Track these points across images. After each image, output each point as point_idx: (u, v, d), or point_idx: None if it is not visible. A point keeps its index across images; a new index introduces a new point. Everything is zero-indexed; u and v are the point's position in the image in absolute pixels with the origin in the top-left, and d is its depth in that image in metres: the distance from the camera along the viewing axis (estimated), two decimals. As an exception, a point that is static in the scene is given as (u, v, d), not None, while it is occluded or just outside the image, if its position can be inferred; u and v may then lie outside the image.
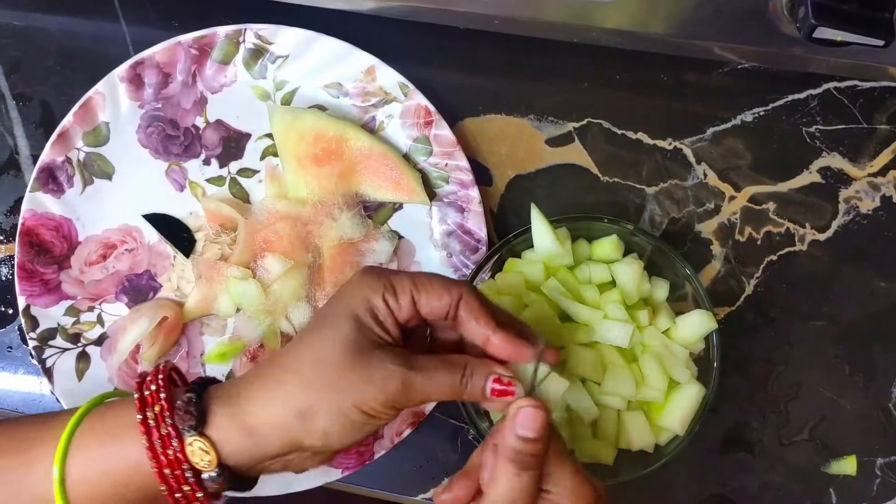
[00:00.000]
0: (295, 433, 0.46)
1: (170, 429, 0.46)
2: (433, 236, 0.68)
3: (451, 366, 0.48)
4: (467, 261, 0.66)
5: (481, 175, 0.69)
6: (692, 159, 0.70)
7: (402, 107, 0.68)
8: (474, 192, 0.66)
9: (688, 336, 0.60)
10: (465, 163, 0.67)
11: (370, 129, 0.68)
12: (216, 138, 0.69)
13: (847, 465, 0.67)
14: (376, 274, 0.48)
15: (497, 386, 0.48)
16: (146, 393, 0.47)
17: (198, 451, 0.46)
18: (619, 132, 0.70)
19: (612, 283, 0.62)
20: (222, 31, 0.67)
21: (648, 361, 0.59)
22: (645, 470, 0.60)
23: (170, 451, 0.46)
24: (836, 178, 0.70)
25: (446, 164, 0.67)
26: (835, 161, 0.70)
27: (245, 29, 0.67)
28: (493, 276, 0.63)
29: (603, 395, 0.58)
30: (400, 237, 0.68)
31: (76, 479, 0.46)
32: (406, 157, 0.68)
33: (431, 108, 0.67)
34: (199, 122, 0.69)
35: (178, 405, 0.46)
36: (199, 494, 0.47)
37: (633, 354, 0.60)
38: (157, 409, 0.46)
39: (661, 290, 0.63)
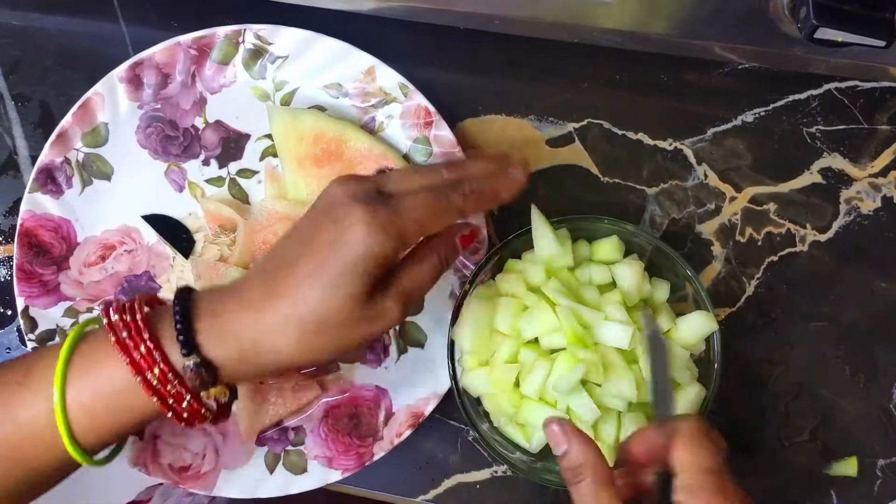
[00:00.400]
0: (303, 365, 0.52)
1: (178, 387, 0.48)
2: None
3: (429, 261, 0.53)
4: (467, 261, 0.66)
5: (481, 176, 0.69)
6: (693, 160, 0.70)
7: (401, 107, 0.67)
8: None
9: (688, 337, 0.60)
10: None
11: (370, 129, 0.68)
12: (215, 139, 0.69)
13: (848, 467, 0.67)
14: (384, 227, 0.47)
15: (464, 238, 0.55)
16: (114, 318, 0.49)
17: (214, 394, 0.49)
18: (620, 133, 0.70)
19: (613, 284, 0.61)
20: (221, 31, 0.67)
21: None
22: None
23: (184, 405, 0.48)
24: (836, 178, 0.70)
25: None
26: (836, 161, 0.70)
27: (244, 29, 0.67)
28: (492, 278, 0.63)
29: (604, 397, 0.58)
30: None
31: (73, 406, 0.48)
32: (406, 158, 0.68)
33: (431, 108, 0.67)
34: (199, 122, 0.69)
35: (186, 374, 0.48)
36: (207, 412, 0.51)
37: (633, 356, 0.59)
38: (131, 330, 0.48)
39: (661, 291, 0.62)
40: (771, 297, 0.69)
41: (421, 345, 0.67)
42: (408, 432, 0.65)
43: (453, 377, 0.61)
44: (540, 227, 0.60)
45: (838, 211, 0.70)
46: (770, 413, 0.68)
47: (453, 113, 0.69)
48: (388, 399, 0.66)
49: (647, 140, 0.70)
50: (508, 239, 0.62)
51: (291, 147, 0.66)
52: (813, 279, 0.69)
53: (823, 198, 0.70)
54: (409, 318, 0.67)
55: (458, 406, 0.61)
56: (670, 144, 0.70)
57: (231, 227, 0.67)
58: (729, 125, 0.70)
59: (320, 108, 0.68)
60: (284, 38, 0.67)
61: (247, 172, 0.69)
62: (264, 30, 0.67)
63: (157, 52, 0.66)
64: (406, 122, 0.67)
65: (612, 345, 0.58)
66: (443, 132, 0.67)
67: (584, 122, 0.70)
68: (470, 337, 0.59)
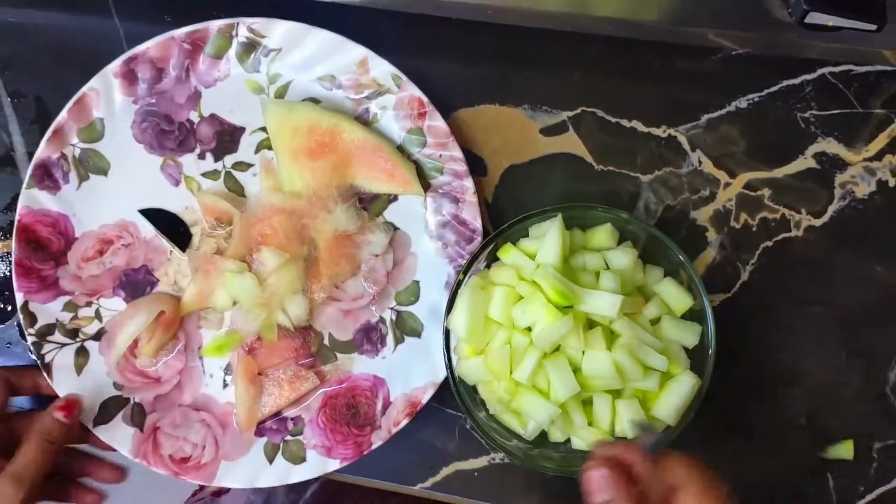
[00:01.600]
0: None
1: None
2: (428, 227, 0.68)
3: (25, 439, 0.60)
4: (462, 251, 0.66)
5: (475, 165, 0.69)
6: (687, 146, 0.70)
7: (395, 98, 0.67)
8: (468, 183, 0.67)
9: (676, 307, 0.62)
10: (459, 153, 0.67)
11: (364, 121, 0.68)
12: (211, 132, 0.69)
13: (844, 450, 0.67)
14: None
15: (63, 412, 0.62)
16: None
17: None
18: (614, 120, 0.70)
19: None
20: (215, 25, 0.67)
21: (620, 354, 0.58)
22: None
23: None
24: (831, 163, 0.70)
25: (440, 155, 0.67)
26: (830, 146, 0.70)
27: (237, 23, 0.67)
28: (488, 266, 0.63)
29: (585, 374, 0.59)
30: (395, 229, 0.68)
31: None
32: (400, 149, 0.68)
33: (425, 99, 0.67)
34: (194, 116, 0.69)
35: None
36: None
37: (615, 335, 0.60)
38: None
39: (655, 278, 0.63)
40: (766, 283, 0.69)
41: (417, 334, 0.68)
42: (405, 421, 0.65)
43: (448, 366, 0.61)
44: (553, 239, 0.59)
45: (833, 195, 0.70)
46: (767, 398, 0.68)
47: (447, 103, 0.69)
48: (385, 388, 0.67)
49: (640, 127, 0.70)
50: (502, 228, 0.62)
51: (286, 140, 0.66)
52: (808, 264, 0.69)
53: (818, 182, 0.70)
54: (405, 308, 0.68)
55: (452, 393, 0.61)
56: (664, 131, 0.70)
57: (227, 220, 0.68)
58: (723, 111, 0.70)
59: (314, 101, 0.69)
60: (277, 30, 0.67)
61: (242, 165, 0.69)
62: (257, 23, 0.67)
63: (150, 46, 0.67)
64: (399, 112, 0.68)
65: (601, 313, 0.58)
66: (436, 122, 0.67)
67: (578, 111, 0.70)
68: (464, 325, 0.59)
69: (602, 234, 0.62)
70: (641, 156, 0.70)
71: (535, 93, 0.70)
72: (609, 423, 0.59)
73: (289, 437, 0.66)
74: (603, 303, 0.57)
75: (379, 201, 0.68)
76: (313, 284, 0.67)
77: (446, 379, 0.63)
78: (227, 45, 0.68)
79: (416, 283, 0.68)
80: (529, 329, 0.59)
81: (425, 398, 0.65)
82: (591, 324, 0.60)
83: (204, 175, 0.69)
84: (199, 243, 0.68)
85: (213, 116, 0.69)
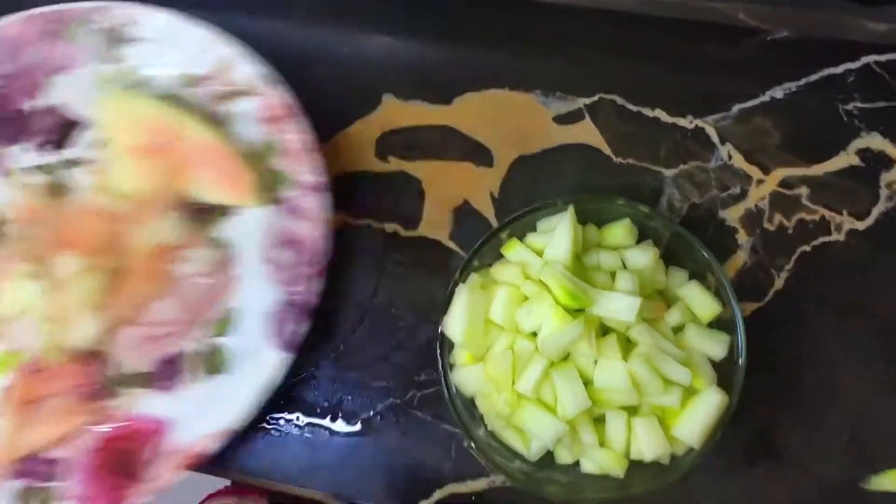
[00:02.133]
0: None
1: None
2: (265, 246, 0.62)
3: None
4: (297, 274, 0.60)
5: (481, 155, 0.65)
6: (715, 139, 0.66)
7: (256, 102, 0.63)
8: (319, 200, 0.61)
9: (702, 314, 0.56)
10: (316, 167, 0.61)
11: (218, 123, 0.63)
12: (48, 124, 0.65)
13: (889, 481, 0.61)
14: None
15: None
16: None
17: None
18: (635, 109, 0.67)
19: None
20: (79, 7, 0.63)
21: (637, 364, 0.53)
22: (659, 483, 0.54)
23: None
24: (876, 160, 0.65)
25: (294, 168, 0.62)
26: (875, 142, 0.65)
27: (103, 8, 0.63)
28: (489, 265, 0.58)
29: (597, 388, 0.54)
30: (226, 247, 0.63)
31: None
32: (252, 157, 0.63)
33: (290, 104, 0.62)
34: (33, 104, 0.64)
35: None
36: None
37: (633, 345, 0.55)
38: None
39: (678, 281, 0.58)
40: (803, 291, 0.64)
41: (225, 371, 0.60)
42: (177, 475, 0.56)
43: (443, 373, 0.56)
44: (564, 233, 0.55)
45: (878, 196, 0.65)
46: (802, 416, 0.62)
47: (452, 86, 0.66)
48: (170, 432, 0.58)
49: (664, 117, 0.66)
50: (507, 221, 0.57)
51: (122, 133, 0.62)
52: (850, 270, 0.64)
53: (861, 181, 0.65)
54: (217, 340, 0.61)
55: (448, 406, 0.55)
56: (690, 122, 0.66)
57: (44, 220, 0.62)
58: (756, 101, 0.66)
59: (171, 98, 0.64)
60: (145, 20, 0.63)
61: (74, 163, 0.64)
62: (126, 9, 0.63)
63: (6, 24, 0.63)
64: (259, 118, 0.63)
65: (616, 317, 0.52)
66: (297, 132, 0.61)
67: (596, 98, 0.67)
68: (462, 328, 0.54)
69: (619, 231, 0.57)
70: (665, 148, 0.66)
71: (548, 77, 0.67)
72: (623, 443, 0.54)
73: (50, 482, 0.57)
74: (619, 305, 0.52)
75: (213, 214, 0.63)
76: (116, 299, 0.60)
77: (443, 391, 0.56)
78: (87, 31, 0.63)
79: (236, 310, 0.61)
80: (535, 334, 0.54)
81: (211, 448, 0.57)
82: (604, 330, 0.54)
83: (29, 169, 0.64)
84: (6, 243, 0.62)
85: (54, 107, 0.64)
